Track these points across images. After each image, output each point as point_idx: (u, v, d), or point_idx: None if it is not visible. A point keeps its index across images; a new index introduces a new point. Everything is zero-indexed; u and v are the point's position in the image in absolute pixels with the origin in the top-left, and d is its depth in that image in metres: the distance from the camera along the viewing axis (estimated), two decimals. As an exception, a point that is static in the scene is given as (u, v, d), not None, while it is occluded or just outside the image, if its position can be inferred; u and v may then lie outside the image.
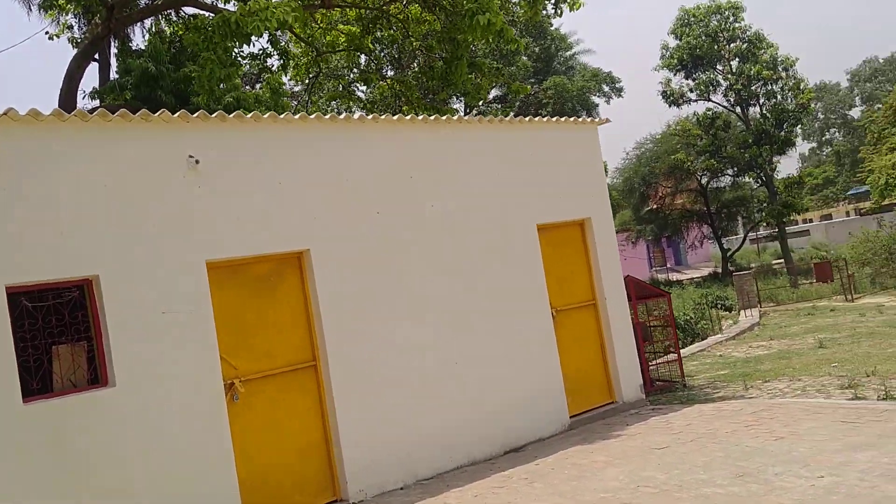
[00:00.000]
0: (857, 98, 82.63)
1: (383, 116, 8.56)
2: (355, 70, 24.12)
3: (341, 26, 19.84)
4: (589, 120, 10.82)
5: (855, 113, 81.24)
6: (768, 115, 40.56)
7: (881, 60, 79.59)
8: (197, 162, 7.09)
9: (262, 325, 7.51)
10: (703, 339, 18.91)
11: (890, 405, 7.84)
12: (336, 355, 7.72)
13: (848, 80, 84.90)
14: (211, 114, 7.35)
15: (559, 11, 13.64)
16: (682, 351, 13.83)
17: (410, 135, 8.78)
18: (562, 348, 9.63)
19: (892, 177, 35.33)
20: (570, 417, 9.51)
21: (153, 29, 21.29)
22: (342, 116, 8.25)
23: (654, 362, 12.37)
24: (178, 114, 7.12)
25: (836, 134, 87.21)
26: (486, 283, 9.04)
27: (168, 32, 21.29)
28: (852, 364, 11.44)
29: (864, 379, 9.68)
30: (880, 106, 51.55)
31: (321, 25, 19.31)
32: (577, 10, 13.61)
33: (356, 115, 8.38)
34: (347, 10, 18.63)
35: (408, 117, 8.75)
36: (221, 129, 7.38)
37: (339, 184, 8.06)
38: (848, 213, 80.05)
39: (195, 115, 7.21)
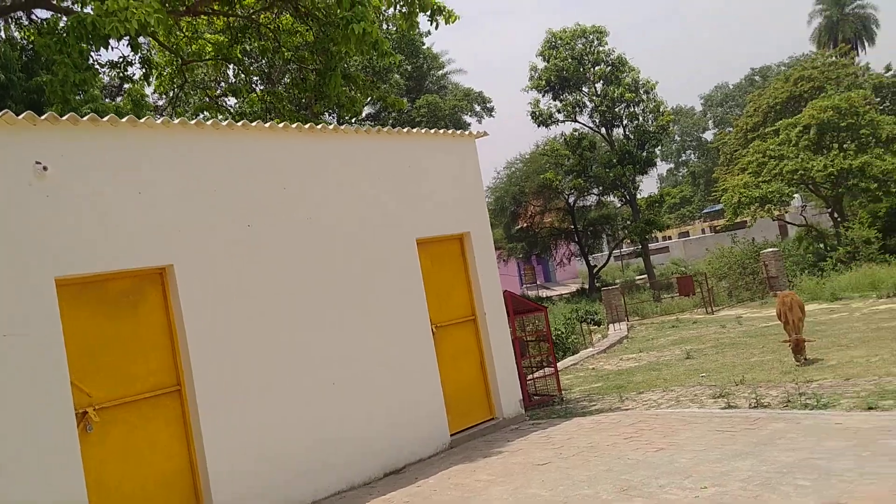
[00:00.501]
0: (710, 121, 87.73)
1: (255, 123, 8.09)
2: (223, 83, 23.28)
3: (208, 35, 19.06)
4: (467, 133, 10.71)
5: (708, 136, 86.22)
6: (631, 135, 42.27)
7: (731, 86, 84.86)
8: (45, 169, 6.43)
9: (121, 347, 6.89)
10: (574, 353, 19.22)
11: (761, 413, 8.04)
12: (203, 379, 7.17)
13: (702, 105, 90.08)
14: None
15: (435, 24, 13.53)
16: (556, 363, 13.92)
17: (284, 143, 8.36)
18: (442, 365, 9.41)
19: (744, 196, 37.37)
20: (451, 435, 9.28)
21: (2, 35, 19.76)
22: (210, 122, 7.72)
23: (530, 377, 12.36)
24: (23, 115, 6.43)
25: (692, 155, 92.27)
26: (365, 299, 8.71)
27: (19, 38, 19.83)
28: (720, 373, 11.81)
29: (734, 388, 9.97)
30: (731, 129, 54.90)
31: (186, 34, 18.46)
32: (452, 23, 13.55)
33: (225, 122, 7.87)
34: (214, 18, 17.90)
35: (281, 125, 8.32)
36: (73, 133, 6.74)
37: (206, 194, 7.53)
38: (704, 231, 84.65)
39: (43, 117, 6.54)
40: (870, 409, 7.49)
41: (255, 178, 7.96)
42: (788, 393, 8.85)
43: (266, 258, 7.88)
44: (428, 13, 13.55)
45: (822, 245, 42.40)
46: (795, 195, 42.73)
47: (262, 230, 7.90)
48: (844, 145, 39.27)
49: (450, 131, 10.46)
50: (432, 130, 10.22)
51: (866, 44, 57.53)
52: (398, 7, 14.03)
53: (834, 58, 48.27)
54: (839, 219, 39.58)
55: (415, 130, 9.93)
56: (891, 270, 23.31)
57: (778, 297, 12.33)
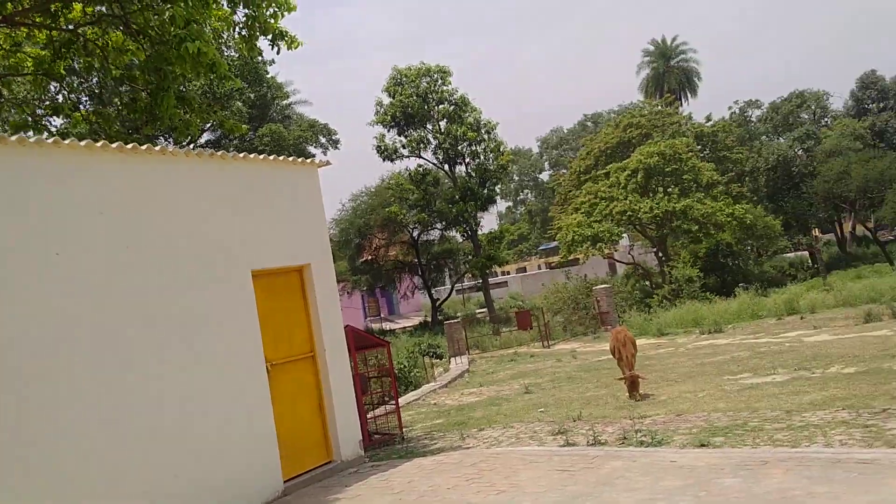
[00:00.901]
0: (546, 163, 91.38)
1: (67, 141, 7.31)
2: (46, 101, 21.56)
3: (28, 48, 17.58)
4: (309, 161, 10.28)
5: (545, 176, 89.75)
6: (473, 173, 43.13)
7: (566, 130, 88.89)
8: None
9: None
10: (417, 388, 19.02)
11: (599, 451, 8.07)
12: (-4, 428, 6.28)
13: (539, 147, 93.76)
14: None
15: (277, 49, 13.06)
16: (398, 400, 13.61)
17: (100, 164, 7.61)
18: (277, 406, 8.85)
19: (577, 234, 38.93)
20: (285, 482, 8.71)
21: None
22: (14, 138, 6.87)
23: (371, 414, 11.98)
24: None
25: (529, 194, 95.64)
26: (193, 335, 8.04)
27: None
28: (558, 408, 11.92)
29: (572, 424, 10.03)
30: (566, 171, 57.41)
31: (4, 46, 16.93)
32: (295, 48, 13.14)
33: (33, 138, 7.05)
34: (35, 30, 16.53)
35: (99, 144, 7.58)
36: None
37: (11, 218, 6.70)
38: (540, 266, 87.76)
39: None
40: (702, 445, 7.68)
41: (67, 203, 7.18)
42: (624, 429, 8.99)
43: (79, 290, 7.09)
44: (269, 37, 13.07)
45: (647, 282, 44.83)
46: (624, 235, 45.12)
47: (74, 259, 7.11)
48: (669, 189, 41.90)
49: (290, 158, 10.00)
50: (272, 157, 9.72)
51: (689, 95, 62.05)
52: (238, 29, 13.46)
53: (660, 107, 51.61)
54: (663, 258, 42.06)
55: (252, 156, 9.40)
56: (711, 308, 24.84)
57: (611, 334, 12.64)
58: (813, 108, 59.11)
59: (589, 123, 79.54)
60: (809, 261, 55.01)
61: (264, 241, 9.16)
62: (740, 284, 37.82)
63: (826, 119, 59.17)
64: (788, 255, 56.42)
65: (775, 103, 59.57)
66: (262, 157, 9.53)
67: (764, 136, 58.74)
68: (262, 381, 8.75)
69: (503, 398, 14.51)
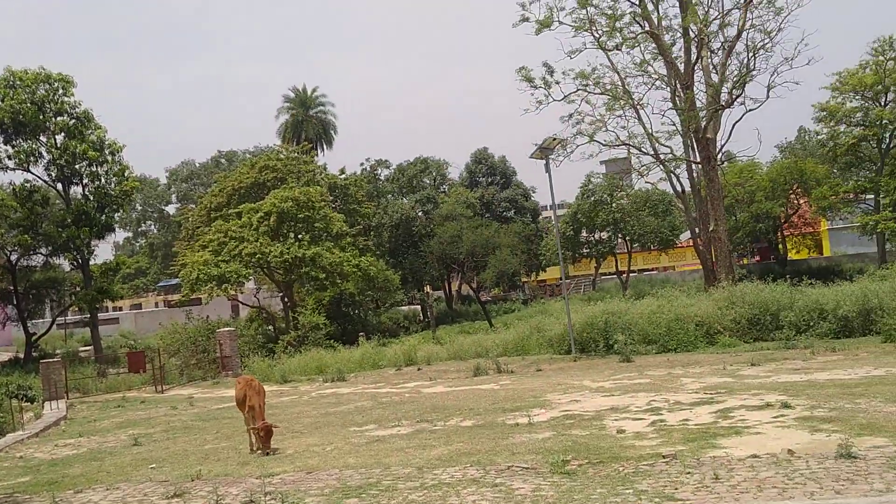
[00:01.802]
0: (173, 195, 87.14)
1: None
2: None
3: None
4: None
5: (171, 209, 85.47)
6: (91, 196, 39.27)
7: (198, 165, 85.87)
8: None
9: None
10: (0, 437, 16.12)
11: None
12: None
13: (167, 178, 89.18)
14: None
15: None
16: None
17: None
18: None
19: (202, 272, 37.23)
20: None
21: None
22: None
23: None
24: None
25: (153, 226, 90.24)
26: None
27: None
28: (173, 464, 10.72)
29: (190, 484, 8.97)
30: (194, 206, 55.13)
31: None
32: None
33: None
34: None
35: None
36: None
37: None
38: (157, 304, 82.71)
39: None
40: (337, 510, 7.24)
41: None
42: (251, 491, 8.20)
43: None
44: None
45: (271, 327, 44.40)
46: (250, 277, 44.30)
47: None
48: (300, 235, 42.24)
49: None
50: None
51: (325, 146, 63.77)
52: None
53: (296, 154, 52.16)
54: (289, 303, 42.01)
55: None
56: (335, 356, 25.06)
57: (240, 381, 11.78)
58: (434, 174, 64.34)
59: (223, 161, 77.81)
60: (421, 314, 59.17)
61: None
62: (360, 333, 39.18)
63: (444, 186, 64.76)
64: (403, 308, 60.15)
65: (402, 165, 63.80)
66: None
67: (390, 195, 62.43)
68: None
69: (107, 451, 12.79)
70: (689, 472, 7.11)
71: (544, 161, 21.35)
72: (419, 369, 21.89)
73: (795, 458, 7.38)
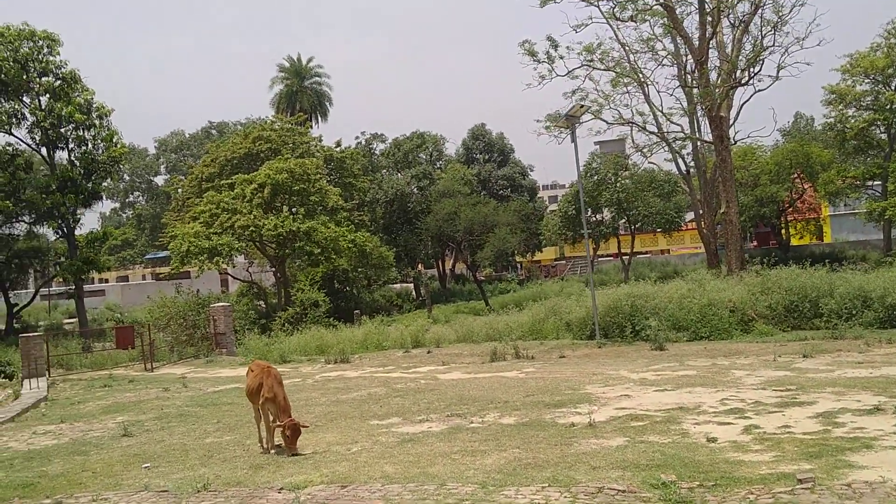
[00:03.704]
0: (162, 166, 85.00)
1: None
2: None
3: None
4: None
5: (160, 180, 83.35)
6: (77, 162, 37.44)
7: (188, 135, 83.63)
8: None
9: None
10: (-29, 421, 14.56)
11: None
12: None
13: (156, 148, 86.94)
14: None
15: None
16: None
17: None
18: None
19: (193, 245, 35.60)
20: None
21: None
22: None
23: None
24: None
25: (141, 197, 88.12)
26: None
27: None
28: (170, 464, 9.19)
29: (195, 498, 7.40)
30: (184, 178, 53.20)
31: None
32: None
33: None
34: None
35: None
36: None
37: None
38: (145, 277, 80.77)
39: None
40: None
41: None
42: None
43: None
44: None
45: (262, 302, 42.81)
46: (243, 251, 42.59)
47: None
48: (294, 208, 40.57)
49: None
50: None
51: (320, 118, 61.85)
52: None
53: (291, 125, 50.28)
54: (281, 278, 40.40)
55: None
56: (337, 335, 23.54)
57: (255, 369, 10.10)
58: (430, 149, 62.63)
59: (213, 132, 75.68)
60: (415, 293, 57.64)
61: None
62: (356, 311, 37.67)
63: (441, 162, 63.06)
64: (395, 286, 58.59)
65: (398, 140, 62.03)
66: None
67: (385, 170, 60.71)
68: None
69: (93, 443, 11.26)
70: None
71: (570, 130, 19.78)
72: (429, 352, 20.41)
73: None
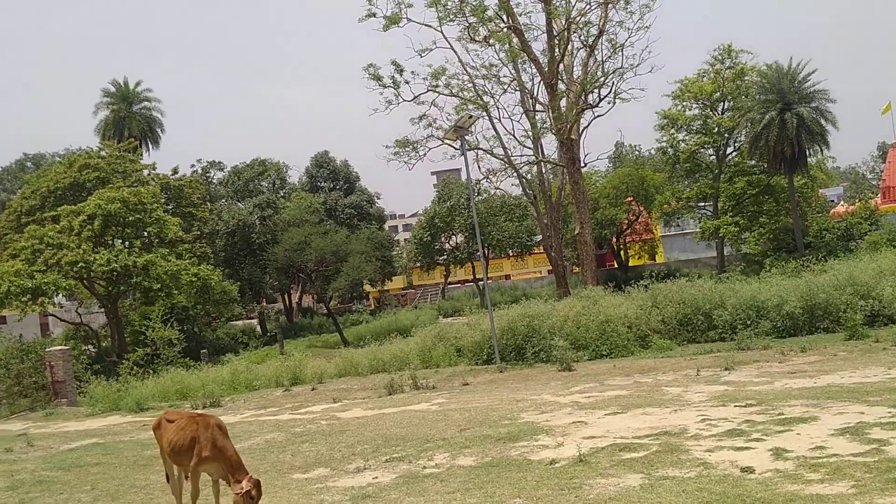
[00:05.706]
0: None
1: None
2: None
3: None
4: None
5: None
6: None
7: (1, 169, 75.64)
8: None
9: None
10: None
11: None
12: None
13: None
14: None
15: None
16: None
17: None
18: None
19: (14, 285, 31.53)
20: None
21: None
22: None
23: None
24: None
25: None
26: None
27: None
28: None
29: None
30: (4, 212, 47.60)
31: None
32: None
33: None
34: None
35: None
36: None
37: None
38: (-53, 324, 71.81)
39: None
40: None
41: None
42: None
43: None
44: None
45: (91, 346, 38.65)
46: (70, 290, 38.33)
47: None
48: (129, 242, 37.02)
49: None
50: None
51: (151, 145, 57.63)
52: None
53: (119, 152, 46.29)
54: (114, 319, 36.61)
55: None
56: (199, 376, 21.02)
57: (182, 418, 7.94)
58: (273, 177, 60.08)
59: (29, 164, 68.78)
60: (260, 329, 54.55)
61: None
62: (202, 351, 34.70)
63: (284, 191, 60.60)
64: (238, 322, 55.23)
65: (237, 168, 58.99)
66: None
67: (224, 200, 57.49)
68: None
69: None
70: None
71: (459, 142, 18.71)
72: (313, 389, 18.43)
73: None
